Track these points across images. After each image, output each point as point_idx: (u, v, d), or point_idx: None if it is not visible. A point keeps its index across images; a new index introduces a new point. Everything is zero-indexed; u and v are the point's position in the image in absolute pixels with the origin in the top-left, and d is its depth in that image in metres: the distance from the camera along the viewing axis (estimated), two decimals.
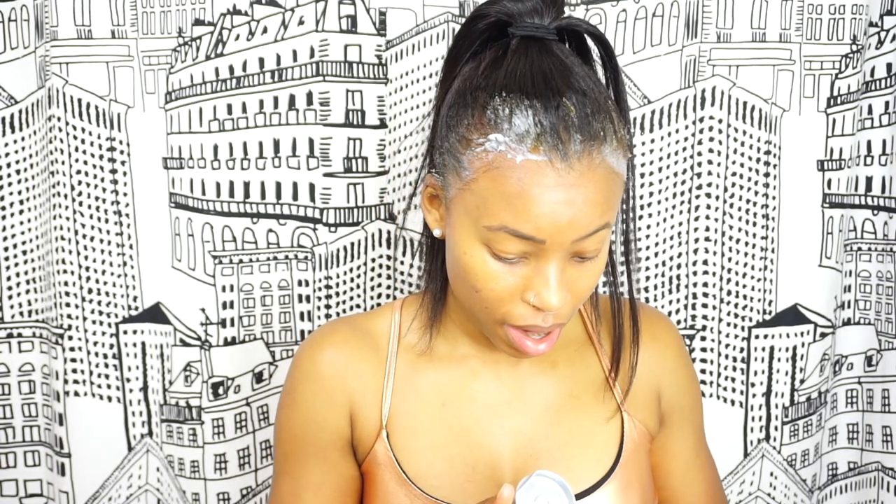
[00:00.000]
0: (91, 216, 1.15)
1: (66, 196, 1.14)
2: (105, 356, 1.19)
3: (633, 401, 0.85)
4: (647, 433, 0.86)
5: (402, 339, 0.85)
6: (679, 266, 1.18)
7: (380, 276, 1.18)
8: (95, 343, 1.18)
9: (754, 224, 1.17)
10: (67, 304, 1.17)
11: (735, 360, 1.20)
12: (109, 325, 1.18)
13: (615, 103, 0.74)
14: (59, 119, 1.12)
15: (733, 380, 1.20)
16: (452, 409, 0.82)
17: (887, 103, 1.17)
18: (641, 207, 1.16)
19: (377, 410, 0.82)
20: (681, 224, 1.17)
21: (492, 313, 0.74)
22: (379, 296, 1.18)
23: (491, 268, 0.71)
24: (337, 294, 1.17)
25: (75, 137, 1.13)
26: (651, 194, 1.16)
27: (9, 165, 1.18)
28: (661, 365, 0.88)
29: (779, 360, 1.19)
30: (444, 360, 0.84)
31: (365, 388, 0.83)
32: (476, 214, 0.71)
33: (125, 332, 1.18)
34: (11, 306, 1.21)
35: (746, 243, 1.18)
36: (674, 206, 1.16)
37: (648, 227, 1.16)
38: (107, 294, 1.17)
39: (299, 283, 1.18)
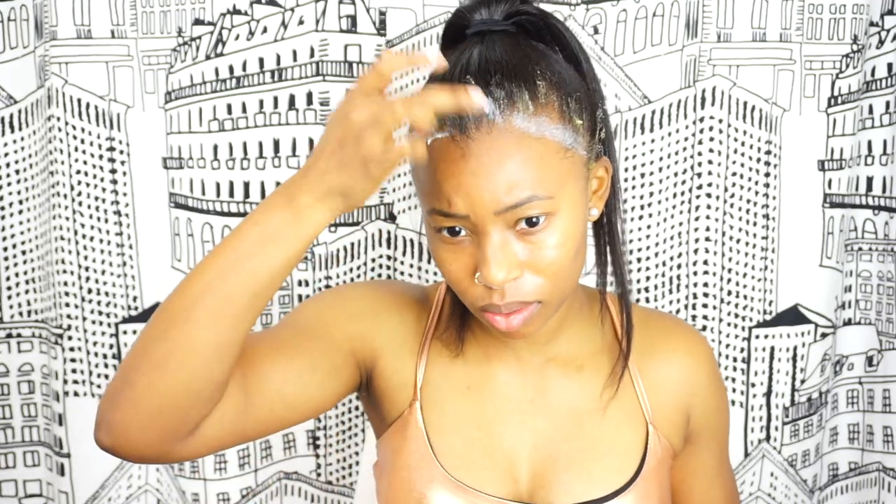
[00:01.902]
0: (91, 216, 1.15)
1: (65, 196, 1.14)
2: (105, 356, 1.19)
3: (660, 415, 0.84)
4: (671, 449, 0.85)
5: (442, 318, 0.85)
6: (679, 266, 1.18)
7: (380, 276, 1.17)
8: (95, 343, 1.18)
9: (755, 224, 1.17)
10: (67, 304, 1.17)
11: (735, 360, 1.20)
12: (109, 325, 1.18)
13: (569, 83, 0.72)
14: (58, 119, 1.12)
15: (734, 380, 1.20)
16: (476, 395, 0.83)
17: (888, 103, 1.16)
18: (642, 207, 1.16)
19: (411, 375, 0.83)
20: (681, 224, 1.17)
21: (465, 298, 0.75)
22: None
23: (443, 252, 0.73)
24: None
25: (75, 137, 1.13)
26: (651, 194, 1.16)
27: (8, 165, 1.18)
28: (694, 383, 0.85)
29: (779, 360, 1.19)
30: (472, 349, 0.84)
31: (404, 341, 0.83)
32: (420, 202, 0.73)
33: (125, 333, 1.18)
34: (11, 306, 1.21)
35: (747, 243, 1.17)
36: (674, 206, 1.16)
37: (648, 227, 1.16)
38: (106, 294, 1.17)
39: (299, 283, 1.18)
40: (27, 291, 1.21)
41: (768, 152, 1.16)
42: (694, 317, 1.19)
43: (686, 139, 1.15)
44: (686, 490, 0.89)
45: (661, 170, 1.15)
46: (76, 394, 1.19)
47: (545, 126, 0.69)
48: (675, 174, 1.16)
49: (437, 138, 0.69)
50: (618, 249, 0.79)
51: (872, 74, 1.16)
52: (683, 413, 0.85)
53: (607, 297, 0.84)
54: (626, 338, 0.82)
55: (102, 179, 1.15)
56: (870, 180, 1.19)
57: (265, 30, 1.10)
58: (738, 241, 1.17)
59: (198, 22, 1.11)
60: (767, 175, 1.16)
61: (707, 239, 1.17)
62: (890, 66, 1.16)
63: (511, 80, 0.69)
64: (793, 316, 1.18)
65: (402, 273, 1.17)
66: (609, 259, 0.79)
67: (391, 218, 1.16)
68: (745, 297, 1.18)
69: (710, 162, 1.16)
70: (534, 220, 0.69)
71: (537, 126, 0.69)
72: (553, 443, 0.82)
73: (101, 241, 1.16)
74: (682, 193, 1.16)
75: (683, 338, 0.86)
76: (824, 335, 1.19)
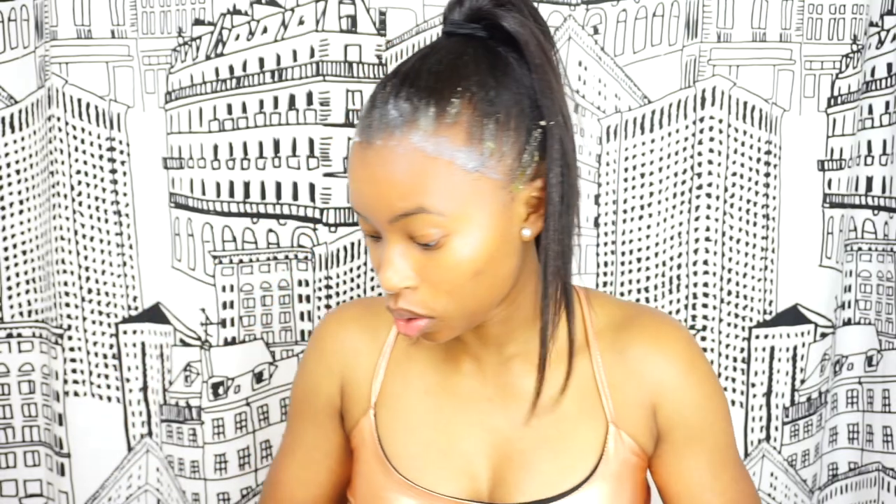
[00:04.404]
0: (91, 216, 1.15)
1: (65, 196, 1.14)
2: (105, 356, 1.19)
3: (623, 414, 0.82)
4: (639, 448, 0.83)
5: None
6: (679, 266, 1.18)
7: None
8: (95, 343, 1.18)
9: (755, 224, 1.17)
10: (67, 304, 1.17)
11: (735, 360, 1.20)
12: (109, 325, 1.18)
13: (496, 104, 0.71)
14: (58, 119, 1.12)
15: (734, 380, 1.20)
16: (434, 398, 0.84)
17: (888, 103, 1.17)
18: (642, 207, 1.16)
19: (367, 388, 0.86)
20: (681, 224, 1.17)
21: None
22: (379, 295, 1.18)
23: (368, 244, 0.76)
24: (337, 294, 1.17)
25: (75, 137, 1.13)
26: (651, 194, 1.16)
27: (8, 165, 1.18)
28: (661, 381, 0.82)
29: (779, 360, 1.19)
30: (434, 349, 0.85)
31: (359, 366, 0.87)
32: None
33: (125, 333, 1.18)
34: (11, 306, 1.21)
35: (747, 243, 1.17)
36: (674, 206, 1.16)
37: (648, 227, 1.16)
38: (106, 294, 1.17)
39: (299, 283, 1.18)
40: (27, 291, 1.21)
41: (768, 152, 1.16)
42: (694, 317, 1.19)
43: (686, 139, 1.15)
44: (674, 496, 0.86)
45: (661, 170, 1.15)
46: (76, 394, 1.19)
47: (444, 147, 0.69)
48: (675, 174, 1.16)
49: (356, 141, 0.72)
50: (551, 268, 0.75)
51: (872, 74, 1.16)
52: (648, 409, 0.83)
53: (580, 294, 0.84)
54: (542, 349, 0.79)
55: (102, 179, 1.15)
56: (870, 180, 1.19)
57: (265, 30, 1.10)
58: (738, 241, 1.17)
59: (198, 22, 1.11)
60: (767, 175, 1.16)
61: (707, 239, 1.17)
62: (890, 66, 1.16)
63: (421, 96, 0.70)
64: (793, 316, 1.18)
65: None
66: (545, 277, 0.76)
67: None
68: (745, 297, 1.18)
69: (710, 162, 1.16)
70: (427, 241, 0.70)
71: (435, 146, 0.69)
72: (510, 441, 0.82)
73: (101, 241, 1.16)
74: (682, 193, 1.16)
75: (656, 334, 0.83)
76: (824, 335, 1.19)
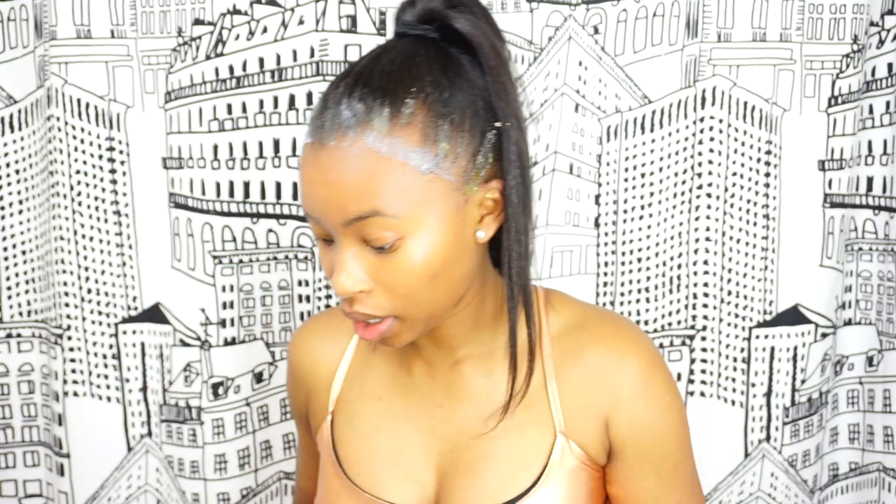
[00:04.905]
0: (90, 216, 1.15)
1: (65, 196, 1.14)
2: (104, 356, 1.18)
3: (573, 424, 0.80)
4: (588, 458, 0.80)
5: None
6: (679, 266, 1.18)
7: None
8: (95, 343, 1.18)
9: (755, 224, 1.17)
10: (67, 305, 1.17)
11: (735, 360, 1.20)
12: (109, 325, 1.18)
13: (450, 105, 0.70)
14: (58, 119, 1.12)
15: (734, 380, 1.20)
16: (387, 404, 0.84)
17: (888, 103, 1.16)
18: (642, 207, 1.16)
19: (327, 396, 0.88)
20: (681, 224, 1.17)
21: None
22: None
23: (319, 247, 0.75)
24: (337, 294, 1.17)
25: (74, 137, 1.13)
26: (651, 194, 1.16)
27: (8, 165, 1.18)
28: (614, 393, 0.79)
29: (779, 360, 1.19)
30: (391, 356, 0.86)
31: (319, 375, 0.88)
32: None
33: (124, 333, 1.18)
34: (11, 306, 1.21)
35: (747, 243, 1.17)
36: (674, 206, 1.16)
37: (648, 227, 1.16)
38: (106, 294, 1.17)
39: (299, 283, 1.18)
40: (27, 291, 1.21)
41: (768, 152, 1.16)
42: (694, 317, 1.19)
43: (686, 139, 1.15)
44: None
45: (661, 170, 1.15)
46: (76, 394, 1.19)
47: (398, 148, 0.68)
48: (675, 174, 1.16)
49: (307, 141, 0.71)
50: (514, 269, 0.75)
51: (872, 74, 1.16)
52: (601, 422, 0.80)
53: (539, 294, 0.82)
54: (511, 350, 0.78)
55: (102, 179, 1.15)
56: (870, 180, 1.19)
57: (265, 30, 1.10)
58: (738, 241, 1.17)
59: (198, 22, 1.10)
60: (767, 175, 1.16)
61: (707, 239, 1.17)
62: (890, 66, 1.16)
63: (375, 97, 0.69)
64: (793, 316, 1.18)
65: None
66: (509, 279, 0.75)
67: None
68: (745, 297, 1.18)
69: (710, 162, 1.15)
70: (381, 244, 0.69)
71: (389, 147, 0.68)
72: (457, 449, 0.81)
73: (101, 241, 1.16)
74: (682, 193, 1.16)
75: (613, 344, 0.80)
76: (824, 335, 1.19)
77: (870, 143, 1.18)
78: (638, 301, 1.17)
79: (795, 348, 1.19)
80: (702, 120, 1.14)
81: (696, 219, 1.17)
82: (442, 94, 0.70)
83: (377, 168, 0.68)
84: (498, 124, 0.72)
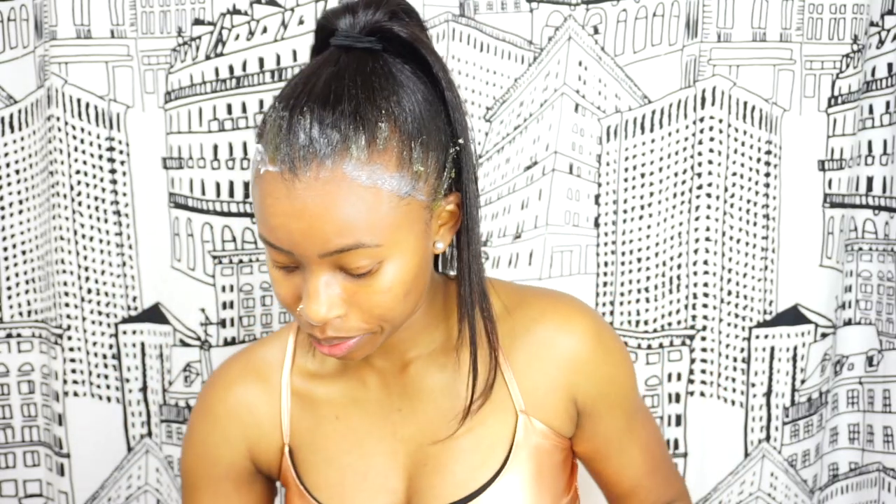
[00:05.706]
0: (90, 216, 1.15)
1: (65, 196, 1.14)
2: (104, 356, 1.18)
3: (533, 401, 0.81)
4: (553, 433, 0.82)
5: (297, 359, 0.85)
6: (679, 266, 1.18)
7: None
8: (95, 343, 1.18)
9: (755, 224, 1.17)
10: (67, 305, 1.17)
11: (735, 360, 1.20)
12: (109, 325, 1.18)
13: (417, 123, 0.69)
14: (58, 119, 1.12)
15: (734, 380, 1.20)
16: (345, 421, 0.83)
17: (888, 103, 1.16)
18: (642, 207, 1.16)
19: (277, 433, 0.85)
20: (681, 224, 1.17)
21: (294, 318, 0.74)
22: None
23: (275, 274, 0.72)
24: None
25: (74, 137, 1.13)
26: (651, 194, 1.16)
27: (8, 165, 1.18)
28: (573, 361, 0.82)
29: (779, 360, 1.19)
30: (335, 374, 0.84)
31: (261, 419, 0.85)
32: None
33: (124, 333, 1.18)
34: (11, 306, 1.21)
35: (747, 243, 1.17)
36: (674, 206, 1.16)
37: (648, 227, 1.16)
38: (106, 294, 1.17)
39: None
40: (27, 291, 1.21)
41: (768, 152, 1.16)
42: (694, 317, 1.19)
43: (686, 139, 1.15)
44: (602, 460, 0.88)
45: (661, 170, 1.15)
46: (76, 394, 1.19)
47: (378, 175, 0.66)
48: (675, 174, 1.16)
49: (272, 170, 0.67)
50: (474, 272, 0.76)
51: (872, 74, 1.16)
52: (565, 393, 0.82)
53: (489, 286, 0.82)
54: (472, 347, 0.78)
55: (102, 179, 1.15)
56: (870, 180, 1.19)
57: (265, 30, 1.10)
58: (738, 241, 1.17)
59: (198, 22, 1.10)
60: (767, 175, 1.16)
61: (707, 239, 1.17)
62: (890, 66, 1.16)
63: (349, 122, 0.66)
64: (793, 316, 1.18)
65: None
66: (468, 283, 0.76)
67: None
68: (745, 297, 1.18)
69: (710, 162, 1.15)
70: (361, 272, 0.68)
71: (369, 175, 0.66)
72: (422, 447, 0.82)
73: (101, 241, 1.16)
74: (682, 193, 1.16)
75: (556, 316, 0.82)
76: (824, 335, 1.19)
77: (870, 143, 1.18)
78: (638, 301, 1.17)
79: (795, 348, 1.19)
80: (702, 120, 1.14)
81: (696, 219, 1.17)
82: (408, 113, 0.69)
83: (360, 199, 0.66)
84: (461, 141, 0.72)
